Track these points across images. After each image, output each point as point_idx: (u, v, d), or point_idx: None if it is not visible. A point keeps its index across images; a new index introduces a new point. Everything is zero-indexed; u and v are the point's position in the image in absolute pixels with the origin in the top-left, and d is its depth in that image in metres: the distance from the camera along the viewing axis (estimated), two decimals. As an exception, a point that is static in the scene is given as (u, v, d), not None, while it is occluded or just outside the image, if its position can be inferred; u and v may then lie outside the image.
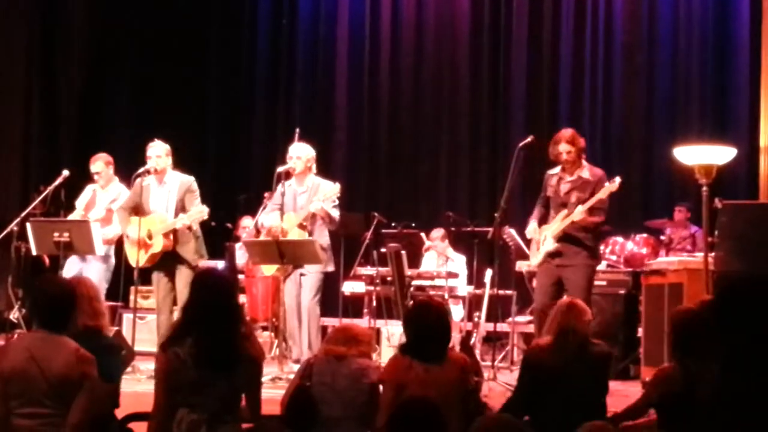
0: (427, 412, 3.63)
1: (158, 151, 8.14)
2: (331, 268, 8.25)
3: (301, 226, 8.02)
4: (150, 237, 8.00)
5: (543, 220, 7.69)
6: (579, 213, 7.39)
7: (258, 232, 9.20)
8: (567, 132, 7.64)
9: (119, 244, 8.50)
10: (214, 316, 4.33)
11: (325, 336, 5.63)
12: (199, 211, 7.96)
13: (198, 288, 4.51)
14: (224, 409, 4.30)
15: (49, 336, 4.36)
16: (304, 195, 8.14)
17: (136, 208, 8.07)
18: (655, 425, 4.90)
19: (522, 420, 4.84)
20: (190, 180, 8.19)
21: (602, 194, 7.43)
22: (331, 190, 8.07)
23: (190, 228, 8.00)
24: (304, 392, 4.79)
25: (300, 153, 8.20)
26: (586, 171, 7.59)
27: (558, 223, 7.51)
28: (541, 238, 7.58)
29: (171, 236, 7.98)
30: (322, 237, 8.08)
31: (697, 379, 4.67)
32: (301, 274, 8.03)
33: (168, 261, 8.03)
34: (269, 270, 8.32)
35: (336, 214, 8.10)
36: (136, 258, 8.03)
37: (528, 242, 8.28)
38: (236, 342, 4.34)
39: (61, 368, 4.28)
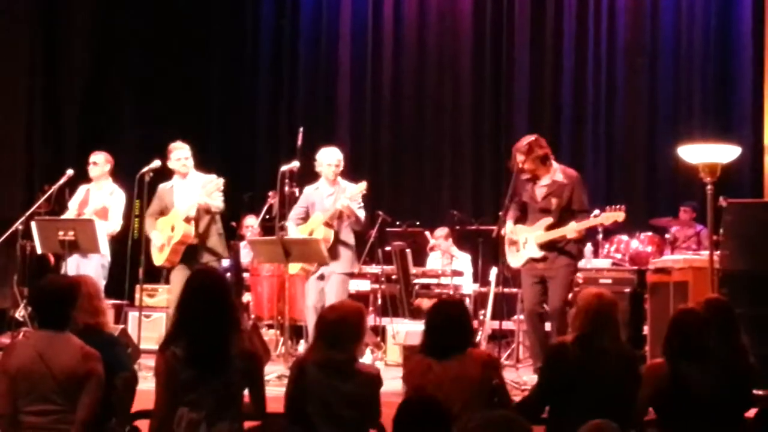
0: (430, 409, 3.62)
1: (186, 153, 8.20)
2: (355, 269, 8.26)
3: (327, 225, 8.01)
4: (173, 229, 8.04)
5: (518, 222, 7.70)
6: (573, 231, 7.42)
7: (262, 232, 9.20)
8: (523, 141, 7.60)
9: (116, 240, 8.54)
10: (203, 316, 4.36)
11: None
12: (214, 183, 7.97)
13: (190, 287, 4.53)
14: (222, 406, 4.33)
15: (54, 334, 4.39)
16: (330, 198, 8.14)
17: (162, 211, 8.11)
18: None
19: (537, 417, 4.81)
20: (213, 176, 8.21)
21: (604, 220, 7.44)
22: (357, 188, 8.07)
23: (208, 210, 8.00)
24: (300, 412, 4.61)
25: (333, 160, 8.18)
26: (559, 173, 7.58)
27: (541, 231, 7.50)
28: (520, 239, 7.58)
29: (192, 222, 7.99)
30: (348, 237, 8.10)
31: (686, 379, 4.65)
32: (321, 275, 8.01)
33: (190, 257, 8.01)
34: (293, 268, 8.22)
35: (362, 214, 8.12)
36: (159, 256, 8.06)
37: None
38: (227, 340, 4.34)
39: (68, 365, 4.31)
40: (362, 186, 8.06)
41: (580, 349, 4.80)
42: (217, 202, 8.09)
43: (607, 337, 4.84)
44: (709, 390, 4.64)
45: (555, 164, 7.63)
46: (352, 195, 8.01)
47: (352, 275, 8.22)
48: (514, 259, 7.69)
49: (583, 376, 4.72)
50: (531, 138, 7.64)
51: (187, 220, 7.99)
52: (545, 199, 7.54)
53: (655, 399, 4.75)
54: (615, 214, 7.41)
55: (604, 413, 3.99)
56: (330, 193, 8.17)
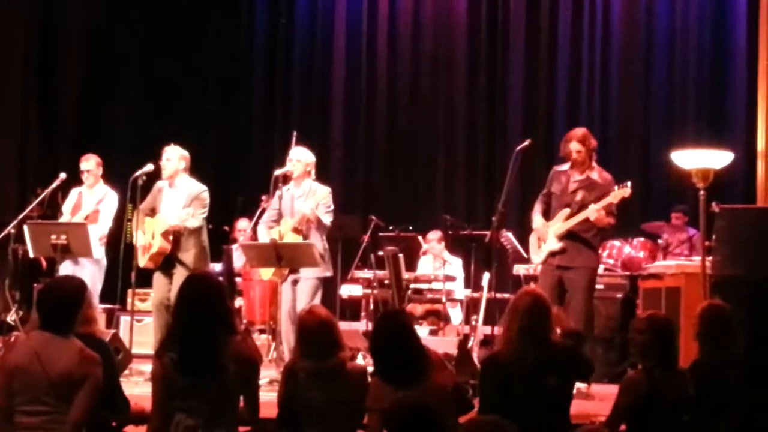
0: (424, 416, 3.60)
1: (169, 155, 8.17)
2: (329, 273, 8.21)
3: (296, 230, 7.99)
4: (153, 236, 8.02)
5: (545, 216, 7.65)
6: (594, 211, 7.33)
7: (255, 236, 9.16)
8: (579, 131, 7.61)
9: (109, 244, 8.51)
10: (198, 322, 4.35)
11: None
12: (186, 213, 7.94)
13: (184, 293, 4.52)
14: (218, 412, 4.32)
15: (55, 336, 4.38)
16: (300, 199, 8.10)
17: (153, 210, 8.11)
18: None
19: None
20: (200, 188, 8.17)
21: (613, 198, 7.40)
22: (321, 193, 8.06)
23: (180, 232, 7.96)
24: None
25: (300, 156, 8.18)
26: (596, 173, 7.55)
27: (560, 222, 7.48)
28: (545, 235, 7.52)
29: (170, 238, 7.97)
30: (318, 242, 8.00)
31: (662, 387, 4.64)
32: (295, 281, 7.94)
33: (169, 264, 8.02)
34: (266, 274, 8.26)
35: (327, 220, 8.01)
36: (141, 258, 8.06)
37: (526, 246, 8.25)
38: (221, 345, 4.33)
39: (64, 367, 4.31)
40: (324, 192, 8.03)
41: (514, 353, 4.73)
42: (193, 222, 7.99)
43: (540, 338, 4.78)
44: (681, 399, 4.63)
45: (594, 163, 7.60)
46: (316, 200, 7.98)
47: (325, 280, 8.15)
48: (536, 255, 7.63)
49: (518, 380, 4.68)
50: (583, 129, 7.65)
51: (165, 236, 7.95)
52: (573, 192, 7.50)
53: (630, 408, 4.73)
54: (621, 191, 7.39)
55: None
56: (300, 195, 8.12)
